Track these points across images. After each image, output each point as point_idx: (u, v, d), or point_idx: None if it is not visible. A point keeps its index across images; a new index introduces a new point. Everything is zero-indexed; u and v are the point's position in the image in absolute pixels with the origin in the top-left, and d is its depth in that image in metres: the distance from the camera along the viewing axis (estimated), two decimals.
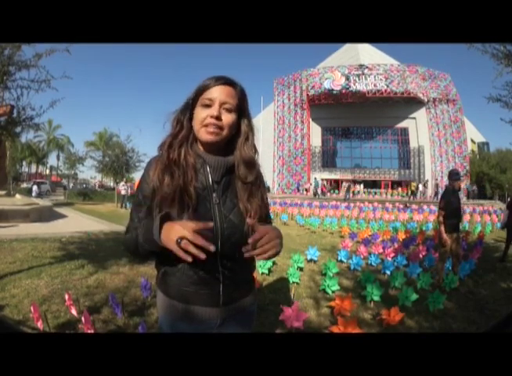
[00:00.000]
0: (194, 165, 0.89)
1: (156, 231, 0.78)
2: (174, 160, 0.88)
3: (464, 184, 20.09)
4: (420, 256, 5.20)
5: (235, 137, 0.94)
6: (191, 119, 0.91)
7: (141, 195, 0.90)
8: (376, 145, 30.10)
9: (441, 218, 3.95)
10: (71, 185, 34.46)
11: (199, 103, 0.88)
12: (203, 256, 0.72)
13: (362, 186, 28.00)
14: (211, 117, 0.85)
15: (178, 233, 0.74)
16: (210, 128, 0.86)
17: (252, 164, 0.94)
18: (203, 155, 0.91)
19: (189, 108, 0.91)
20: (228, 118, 0.87)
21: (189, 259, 0.73)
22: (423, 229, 8.71)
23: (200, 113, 0.87)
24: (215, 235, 0.87)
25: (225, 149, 0.93)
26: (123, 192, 15.59)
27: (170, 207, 0.85)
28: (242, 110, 0.92)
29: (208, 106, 0.86)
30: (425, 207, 14.27)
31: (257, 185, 0.96)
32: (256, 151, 0.97)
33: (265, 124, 26.26)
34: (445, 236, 3.89)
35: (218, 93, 0.86)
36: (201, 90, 0.88)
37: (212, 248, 0.73)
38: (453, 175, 4.04)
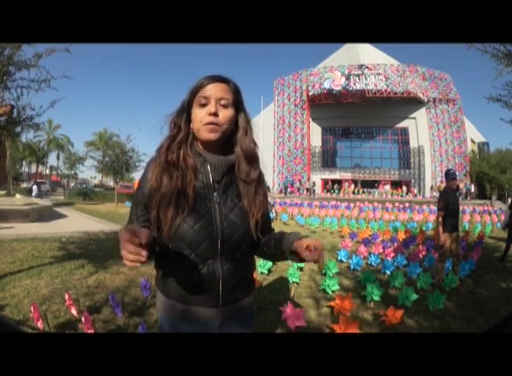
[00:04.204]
0: (194, 166, 0.89)
1: None
2: (173, 162, 0.88)
3: (463, 184, 20.12)
4: (420, 256, 5.20)
5: (234, 133, 0.93)
6: (188, 121, 0.91)
7: (141, 194, 0.90)
8: (376, 145, 30.08)
9: (440, 219, 3.95)
10: (71, 185, 34.41)
11: (195, 104, 0.88)
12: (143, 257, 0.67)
13: (388, 186, 27.44)
14: (209, 114, 0.85)
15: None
16: (210, 125, 0.86)
17: (254, 158, 0.94)
18: (204, 154, 0.91)
19: (185, 110, 0.91)
20: (225, 113, 0.88)
21: (130, 265, 0.67)
22: (423, 229, 8.71)
23: (198, 113, 0.87)
24: (215, 234, 0.87)
25: (225, 147, 0.93)
26: None
27: (167, 208, 0.85)
28: (238, 104, 0.92)
29: (204, 105, 0.87)
30: (425, 207, 14.27)
31: (260, 182, 0.96)
32: (256, 145, 0.96)
33: (265, 124, 26.27)
34: (443, 236, 3.89)
35: (212, 91, 0.87)
36: (196, 90, 0.88)
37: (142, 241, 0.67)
38: (449, 175, 4.04)
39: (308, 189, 25.82)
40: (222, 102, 0.87)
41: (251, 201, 0.92)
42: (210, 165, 0.90)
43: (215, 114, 0.86)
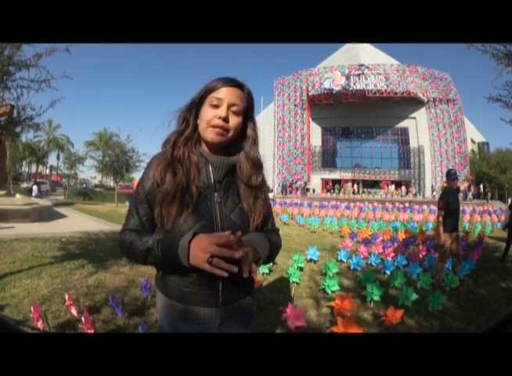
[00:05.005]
0: (197, 164, 0.89)
1: (184, 257, 0.78)
2: (179, 158, 0.88)
3: (464, 187, 20.21)
4: (420, 256, 5.20)
5: (238, 139, 0.94)
6: (197, 117, 0.91)
7: (142, 191, 0.90)
8: (376, 145, 30.11)
9: (440, 219, 3.95)
10: (71, 184, 34.42)
11: (206, 103, 0.88)
12: (235, 269, 0.75)
13: (393, 187, 27.23)
14: (219, 117, 0.85)
15: (204, 252, 0.75)
16: (217, 129, 0.86)
17: (260, 166, 0.96)
18: (206, 154, 0.91)
19: (195, 106, 0.91)
20: (235, 121, 0.88)
21: (225, 274, 0.75)
22: (423, 229, 8.71)
23: (208, 113, 0.87)
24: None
25: (227, 149, 0.93)
26: None
27: (170, 205, 0.85)
28: (248, 112, 0.93)
29: (216, 106, 0.86)
30: (425, 207, 14.27)
31: (261, 187, 0.96)
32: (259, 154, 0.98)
33: (265, 124, 26.27)
34: (443, 236, 3.89)
35: (226, 94, 0.87)
36: (209, 90, 0.88)
37: (238, 255, 0.74)
38: (451, 175, 4.04)
39: (307, 189, 25.89)
40: (234, 108, 0.87)
41: (251, 206, 0.92)
42: (212, 165, 0.90)
43: (225, 120, 0.86)
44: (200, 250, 0.76)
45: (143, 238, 0.85)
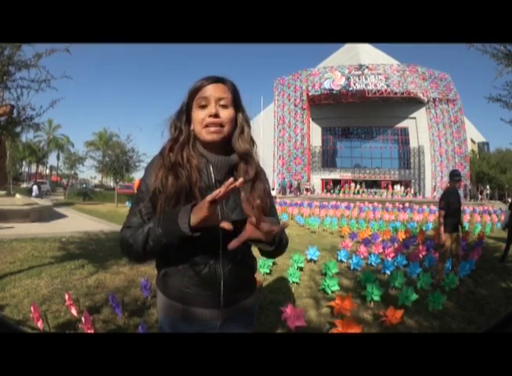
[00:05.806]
0: (198, 166, 0.89)
1: (184, 220, 0.77)
2: (178, 162, 0.88)
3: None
4: (420, 256, 5.20)
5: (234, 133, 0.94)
6: (189, 123, 0.91)
7: (145, 190, 0.89)
8: (376, 145, 30.08)
9: (441, 219, 3.95)
10: (70, 184, 34.41)
11: (195, 105, 0.89)
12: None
13: (398, 187, 26.93)
14: (210, 115, 0.85)
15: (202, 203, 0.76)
16: (212, 127, 0.86)
17: (249, 156, 0.94)
18: (206, 154, 0.90)
19: (184, 113, 0.91)
20: (226, 114, 0.88)
21: (228, 226, 0.77)
22: (423, 229, 8.70)
23: (199, 115, 0.87)
24: (216, 235, 0.86)
25: (226, 147, 0.92)
26: None
27: (174, 208, 0.84)
28: (236, 103, 0.92)
29: (204, 106, 0.87)
30: (425, 207, 14.27)
31: (258, 178, 0.95)
32: (254, 143, 0.97)
33: (265, 124, 26.24)
34: (444, 236, 3.89)
35: (211, 91, 0.87)
36: (194, 92, 0.89)
37: (239, 183, 0.74)
38: (455, 176, 4.04)
39: (306, 189, 25.89)
40: (222, 102, 0.87)
41: (250, 197, 0.91)
42: (213, 166, 0.90)
43: (216, 115, 0.86)
44: (198, 207, 0.77)
45: (144, 226, 0.85)
